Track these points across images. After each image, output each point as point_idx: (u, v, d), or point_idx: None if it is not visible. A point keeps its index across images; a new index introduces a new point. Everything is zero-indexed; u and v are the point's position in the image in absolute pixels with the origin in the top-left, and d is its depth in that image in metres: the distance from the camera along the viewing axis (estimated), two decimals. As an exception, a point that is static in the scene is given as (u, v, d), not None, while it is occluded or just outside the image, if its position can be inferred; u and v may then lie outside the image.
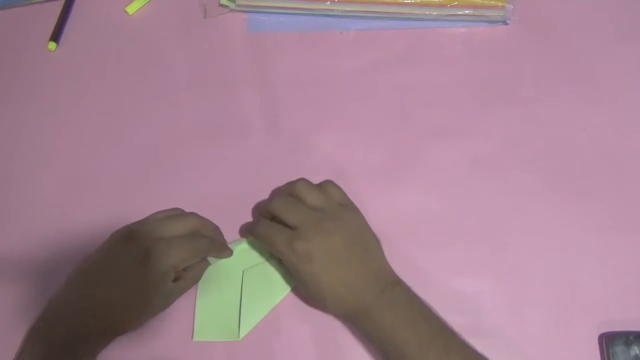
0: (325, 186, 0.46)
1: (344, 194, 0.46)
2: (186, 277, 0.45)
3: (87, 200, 0.51)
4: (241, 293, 0.46)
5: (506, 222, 0.49)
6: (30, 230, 0.50)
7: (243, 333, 0.45)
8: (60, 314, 0.43)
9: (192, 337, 0.45)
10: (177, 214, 0.48)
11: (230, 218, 0.49)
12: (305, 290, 0.44)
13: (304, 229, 0.42)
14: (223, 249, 0.47)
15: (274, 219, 0.45)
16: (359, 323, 0.43)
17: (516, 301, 0.46)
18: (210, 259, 0.47)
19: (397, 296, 0.41)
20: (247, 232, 0.48)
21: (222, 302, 0.46)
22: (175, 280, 0.44)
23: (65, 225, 0.49)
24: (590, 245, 0.48)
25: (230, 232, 0.49)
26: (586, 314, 0.45)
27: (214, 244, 0.46)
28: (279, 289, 0.46)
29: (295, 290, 0.46)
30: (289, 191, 0.46)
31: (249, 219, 0.50)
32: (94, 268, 0.44)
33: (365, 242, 0.44)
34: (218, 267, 0.47)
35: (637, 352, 0.43)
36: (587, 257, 0.47)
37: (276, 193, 0.49)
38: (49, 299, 0.44)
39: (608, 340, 0.44)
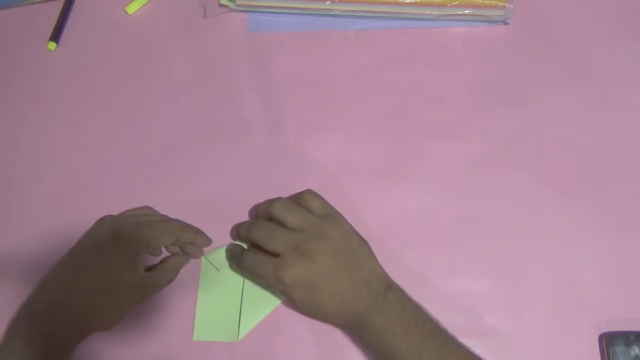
0: (304, 199, 0.45)
1: (325, 203, 0.46)
2: (161, 268, 0.45)
3: (87, 200, 0.51)
4: (242, 294, 0.46)
5: (506, 222, 0.49)
6: (30, 230, 0.50)
7: (242, 334, 0.45)
8: (32, 314, 0.42)
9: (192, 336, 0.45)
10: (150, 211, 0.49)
11: (231, 218, 0.49)
12: (300, 311, 0.44)
13: (288, 255, 0.42)
14: (199, 234, 0.46)
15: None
16: (355, 333, 0.43)
17: (516, 301, 0.46)
18: (208, 257, 0.47)
19: (389, 303, 0.41)
20: (233, 263, 0.47)
21: (223, 302, 0.46)
22: (150, 270, 0.45)
23: (65, 225, 0.49)
24: (591, 245, 0.48)
25: (230, 231, 0.49)
26: (586, 314, 0.45)
27: (187, 226, 0.46)
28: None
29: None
30: (268, 213, 0.45)
31: (249, 218, 0.50)
32: (64, 263, 0.44)
33: (352, 252, 0.43)
34: (220, 268, 0.47)
35: (637, 352, 0.43)
36: (587, 257, 0.47)
37: (255, 217, 0.48)
38: (28, 295, 0.44)
39: (608, 340, 0.44)
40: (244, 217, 0.50)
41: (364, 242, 0.44)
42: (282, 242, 0.43)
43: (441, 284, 0.47)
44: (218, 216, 0.49)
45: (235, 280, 0.47)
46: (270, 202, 0.45)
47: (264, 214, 0.46)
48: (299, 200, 0.46)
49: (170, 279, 0.46)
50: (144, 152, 0.53)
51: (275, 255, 0.43)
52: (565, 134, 0.52)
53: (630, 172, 0.51)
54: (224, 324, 0.46)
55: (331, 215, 0.45)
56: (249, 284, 0.46)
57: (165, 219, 0.48)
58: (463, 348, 0.40)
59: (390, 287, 0.42)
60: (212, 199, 0.50)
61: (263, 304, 0.46)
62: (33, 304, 0.43)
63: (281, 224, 0.44)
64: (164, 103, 0.55)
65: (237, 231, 0.48)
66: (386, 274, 0.43)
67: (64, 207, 0.51)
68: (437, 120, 0.53)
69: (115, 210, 0.48)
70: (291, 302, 0.43)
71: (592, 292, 0.46)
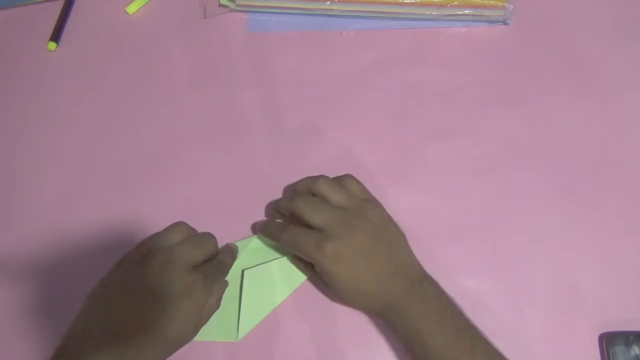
0: (346, 182, 0.46)
1: (365, 189, 0.46)
2: (208, 304, 0.42)
3: (87, 200, 0.51)
4: (241, 294, 0.46)
5: (506, 222, 0.49)
6: (30, 230, 0.50)
7: (241, 334, 0.45)
8: (77, 350, 0.37)
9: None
10: (193, 236, 0.44)
11: (230, 218, 0.49)
12: (336, 289, 0.43)
13: (332, 229, 0.42)
14: (233, 251, 0.47)
15: (293, 218, 0.44)
16: (388, 318, 0.43)
17: (516, 301, 0.46)
18: None
19: (426, 290, 0.42)
20: (271, 238, 0.46)
21: (222, 302, 0.46)
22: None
23: (65, 225, 0.49)
24: (591, 245, 0.48)
25: (230, 232, 0.49)
26: (586, 314, 0.45)
27: (231, 250, 0.47)
28: (280, 292, 0.46)
29: (296, 293, 0.46)
30: (310, 189, 0.45)
31: (250, 218, 0.50)
32: (109, 293, 0.40)
33: (391, 236, 0.44)
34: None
35: (637, 352, 0.43)
36: (588, 257, 0.47)
37: (295, 191, 0.47)
38: (67, 329, 0.39)
39: (608, 340, 0.44)
40: (243, 217, 0.50)
41: (402, 233, 0.45)
42: (327, 216, 0.42)
43: (442, 283, 0.46)
44: (218, 216, 0.49)
45: (235, 280, 0.47)
46: (314, 179, 0.45)
47: (305, 189, 0.46)
48: (341, 182, 0.46)
49: (218, 307, 0.44)
50: (144, 151, 0.53)
51: (315, 229, 0.42)
52: (566, 134, 0.52)
53: (631, 171, 0.51)
54: (223, 324, 0.45)
55: (372, 199, 0.46)
56: (248, 284, 0.46)
57: (211, 273, 0.43)
58: (492, 345, 0.40)
59: (426, 276, 0.43)
60: (211, 199, 0.50)
61: (263, 304, 0.46)
62: (75, 344, 0.38)
63: (324, 200, 0.44)
64: (164, 103, 0.55)
65: (277, 205, 0.48)
66: (421, 266, 0.44)
67: (64, 207, 0.51)
68: (437, 120, 0.53)
69: (114, 211, 0.48)
70: (326, 277, 0.42)
71: (592, 292, 0.46)
